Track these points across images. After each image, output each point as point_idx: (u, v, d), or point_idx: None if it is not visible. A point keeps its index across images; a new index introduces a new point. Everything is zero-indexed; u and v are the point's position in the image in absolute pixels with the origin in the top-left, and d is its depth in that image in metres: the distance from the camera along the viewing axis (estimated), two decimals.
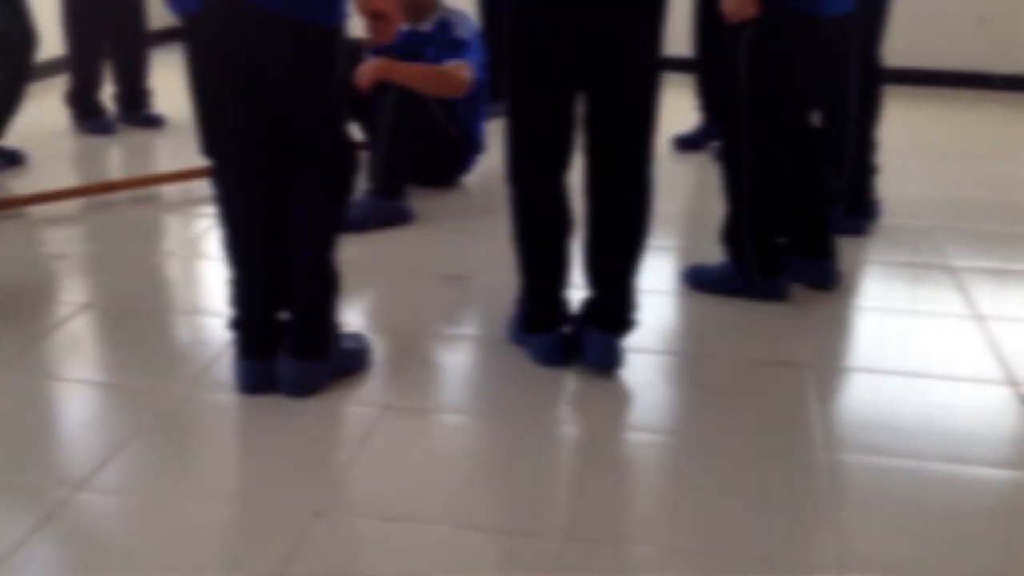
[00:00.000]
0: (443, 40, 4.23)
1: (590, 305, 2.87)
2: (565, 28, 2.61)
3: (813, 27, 3.10)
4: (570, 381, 2.80)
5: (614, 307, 2.84)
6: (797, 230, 3.37)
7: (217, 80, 2.57)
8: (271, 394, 2.67)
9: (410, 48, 4.20)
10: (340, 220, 2.72)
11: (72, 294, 3.40)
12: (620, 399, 2.75)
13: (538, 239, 2.84)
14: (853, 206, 3.87)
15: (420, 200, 4.12)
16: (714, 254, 3.41)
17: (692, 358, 3.03)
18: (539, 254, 2.85)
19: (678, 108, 5.02)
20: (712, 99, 4.92)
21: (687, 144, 4.99)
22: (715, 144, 4.82)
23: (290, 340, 2.69)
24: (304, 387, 2.68)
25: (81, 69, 4.95)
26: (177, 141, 4.78)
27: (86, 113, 4.98)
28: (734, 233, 3.32)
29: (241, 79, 2.53)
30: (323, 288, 2.70)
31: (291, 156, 2.60)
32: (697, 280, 3.41)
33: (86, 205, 4.22)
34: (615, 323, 2.84)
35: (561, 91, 2.70)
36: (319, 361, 2.70)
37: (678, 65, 5.18)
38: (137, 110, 5.11)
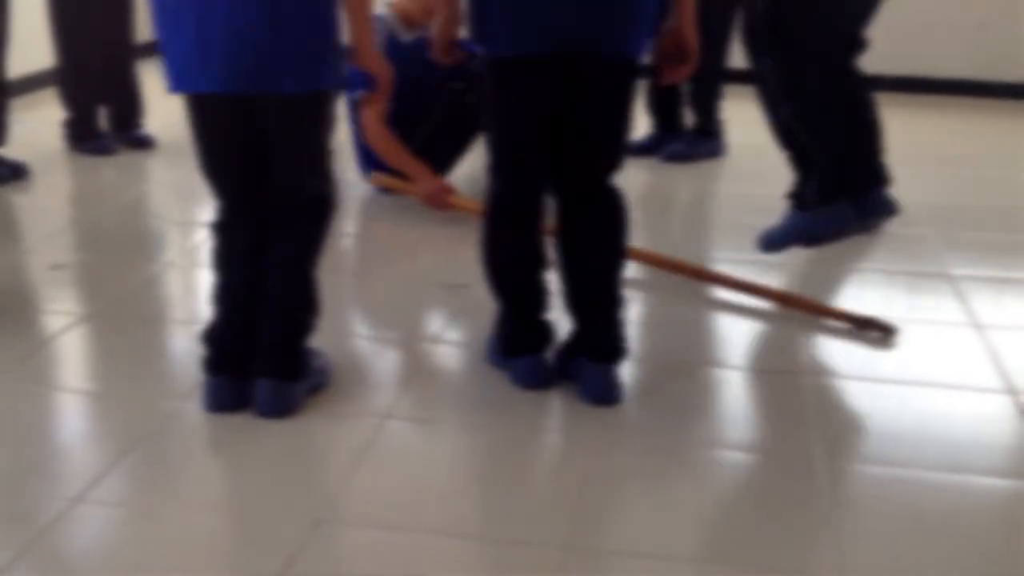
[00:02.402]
0: None
1: (579, 337, 2.81)
2: (543, 86, 2.62)
3: None
4: (568, 391, 2.79)
5: (605, 337, 2.79)
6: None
7: (218, 151, 2.62)
8: (242, 413, 2.64)
9: (420, 57, 4.22)
10: (319, 251, 2.72)
11: (71, 304, 3.41)
12: (618, 408, 2.74)
13: (519, 271, 2.82)
14: None
15: (414, 208, 4.12)
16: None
17: (691, 366, 3.03)
18: (518, 281, 2.82)
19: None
20: (663, 107, 5.00)
21: (639, 151, 4.90)
22: (667, 148, 4.91)
23: (267, 361, 2.66)
24: (282, 408, 2.65)
25: (74, 91, 4.84)
26: (171, 161, 4.78)
27: (82, 135, 4.90)
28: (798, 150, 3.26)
29: (241, 147, 2.60)
30: (304, 310, 2.70)
31: (276, 200, 2.65)
32: (768, 242, 3.31)
33: (85, 216, 4.22)
34: (609, 353, 2.79)
35: (541, 136, 2.69)
36: (297, 381, 2.69)
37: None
38: (129, 130, 5.04)
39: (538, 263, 2.82)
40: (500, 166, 2.76)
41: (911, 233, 4.01)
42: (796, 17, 3.09)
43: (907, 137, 3.96)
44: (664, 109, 5.01)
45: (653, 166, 4.87)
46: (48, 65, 4.96)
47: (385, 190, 4.31)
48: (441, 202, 4.03)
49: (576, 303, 2.80)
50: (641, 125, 4.96)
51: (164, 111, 5.01)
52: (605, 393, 2.75)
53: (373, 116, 4.08)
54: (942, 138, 5.54)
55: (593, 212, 2.75)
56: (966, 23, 6.24)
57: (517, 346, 2.83)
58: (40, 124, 5.09)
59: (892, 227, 3.97)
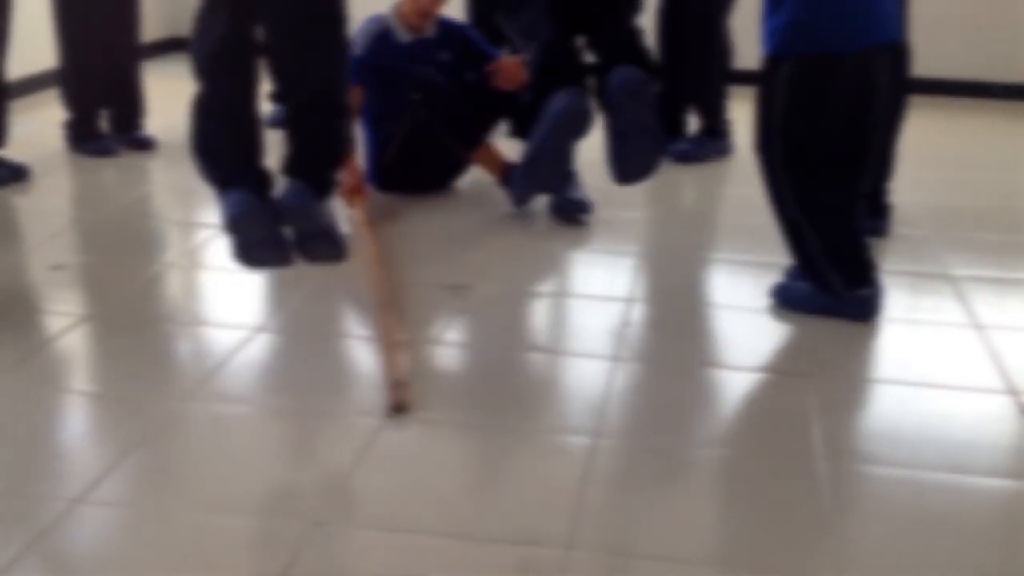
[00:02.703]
0: (456, 43, 4.28)
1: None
2: None
3: (847, 64, 3.04)
4: (571, 390, 2.80)
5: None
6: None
7: None
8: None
9: (423, 58, 4.22)
10: (346, 52, 2.75)
11: (72, 305, 3.40)
12: (621, 408, 2.75)
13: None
14: (874, 209, 3.93)
15: (416, 209, 4.13)
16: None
17: (692, 368, 3.03)
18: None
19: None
20: (668, 111, 4.99)
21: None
22: (675, 148, 4.84)
23: (302, 164, 2.66)
24: (308, 204, 2.65)
25: (76, 91, 4.83)
26: (172, 162, 4.78)
27: (82, 136, 4.89)
28: (805, 257, 3.25)
29: None
30: (341, 123, 2.72)
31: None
32: (786, 298, 3.32)
33: (86, 217, 4.23)
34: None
35: None
36: (325, 198, 2.70)
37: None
38: (129, 131, 5.03)
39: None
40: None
41: (911, 234, 4.01)
42: (810, 133, 3.10)
43: (907, 138, 3.96)
44: (667, 111, 5.01)
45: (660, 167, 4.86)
46: (49, 66, 4.95)
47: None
48: (347, 198, 4.04)
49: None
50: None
51: (165, 113, 5.03)
52: (630, 76, 3.14)
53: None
54: (942, 139, 5.54)
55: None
56: (965, 24, 6.25)
57: (562, 75, 3.25)
58: (41, 125, 5.08)
59: (893, 228, 3.98)
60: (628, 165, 3.34)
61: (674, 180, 4.76)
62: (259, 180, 2.71)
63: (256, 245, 2.68)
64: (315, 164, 2.68)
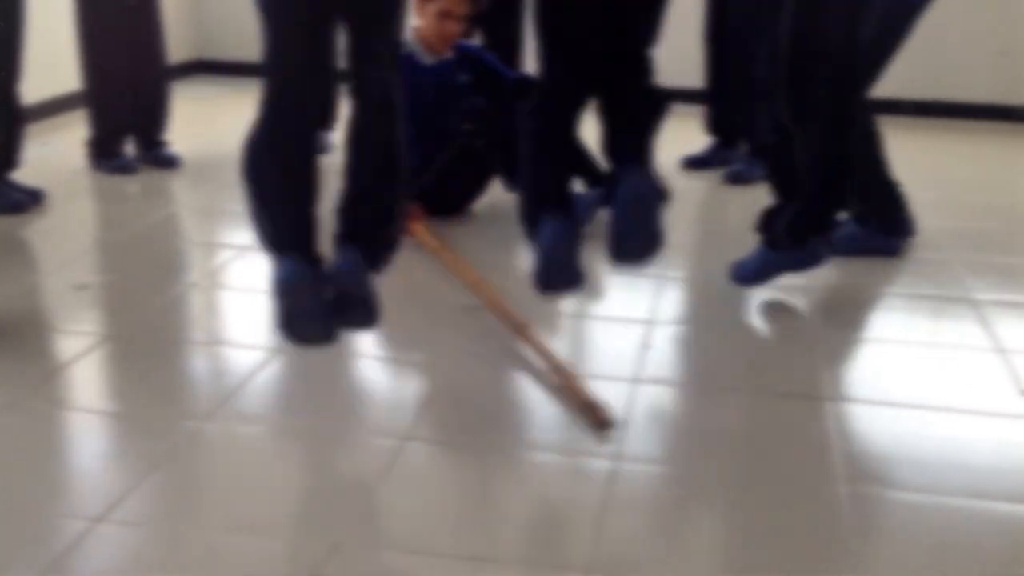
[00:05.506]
0: (474, 66, 4.35)
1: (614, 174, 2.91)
2: None
3: None
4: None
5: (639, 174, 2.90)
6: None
7: None
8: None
9: (443, 80, 4.25)
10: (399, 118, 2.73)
11: (94, 324, 3.42)
12: (640, 432, 2.74)
13: (550, 147, 2.94)
14: (887, 225, 3.93)
15: (434, 232, 4.13)
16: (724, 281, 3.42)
17: (712, 390, 3.02)
18: (550, 157, 2.95)
19: (687, 135, 5.04)
20: (719, 125, 5.11)
21: (697, 164, 5.09)
22: (729, 169, 4.93)
23: (359, 229, 2.67)
24: (359, 273, 2.65)
25: (101, 110, 4.87)
26: (195, 182, 4.84)
27: (104, 154, 4.93)
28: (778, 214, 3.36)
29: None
30: (400, 190, 2.74)
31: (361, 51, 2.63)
32: (740, 275, 3.45)
33: (108, 236, 4.25)
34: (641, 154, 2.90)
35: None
36: (377, 269, 2.72)
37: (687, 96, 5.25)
38: (154, 149, 5.07)
39: (568, 151, 2.99)
40: (553, 54, 2.87)
41: (933, 257, 4.00)
42: (811, 58, 3.17)
43: (929, 161, 3.96)
44: (721, 125, 5.10)
45: (711, 185, 4.90)
46: (74, 88, 4.99)
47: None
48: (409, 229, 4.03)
49: (613, 149, 2.91)
50: (698, 141, 5.10)
51: (190, 133, 5.07)
52: (643, 188, 2.86)
53: None
54: (964, 162, 5.52)
55: (631, 83, 2.88)
56: (988, 49, 6.24)
57: (547, 204, 2.91)
58: (65, 146, 5.12)
59: (915, 251, 3.97)
60: (625, 243, 2.91)
61: (722, 200, 4.75)
62: (314, 256, 2.69)
63: (300, 316, 2.61)
64: (374, 231, 2.69)
